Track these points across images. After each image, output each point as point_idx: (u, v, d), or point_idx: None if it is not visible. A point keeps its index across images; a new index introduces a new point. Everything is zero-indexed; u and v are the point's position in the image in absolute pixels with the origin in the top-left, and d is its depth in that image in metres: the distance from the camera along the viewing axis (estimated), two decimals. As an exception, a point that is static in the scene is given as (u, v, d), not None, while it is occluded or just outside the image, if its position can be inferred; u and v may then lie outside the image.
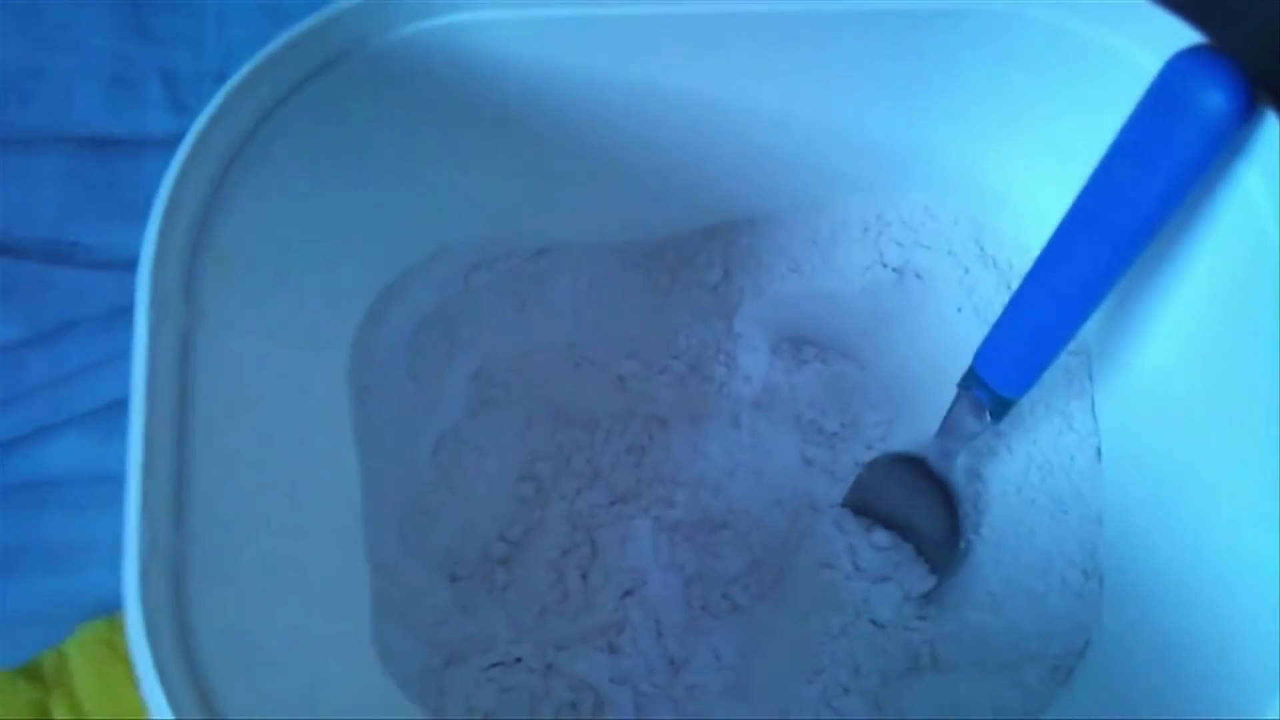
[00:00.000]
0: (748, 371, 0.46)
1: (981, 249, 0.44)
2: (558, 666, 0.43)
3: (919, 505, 0.43)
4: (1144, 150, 0.33)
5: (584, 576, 0.44)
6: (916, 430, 0.44)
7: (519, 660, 0.43)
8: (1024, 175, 0.40)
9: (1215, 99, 0.32)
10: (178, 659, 0.33)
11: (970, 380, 0.40)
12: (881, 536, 0.44)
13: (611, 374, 0.47)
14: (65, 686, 0.44)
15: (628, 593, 0.44)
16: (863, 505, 0.44)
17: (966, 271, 0.44)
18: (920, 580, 0.43)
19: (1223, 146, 0.32)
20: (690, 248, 0.47)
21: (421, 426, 0.45)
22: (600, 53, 0.39)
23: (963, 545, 0.43)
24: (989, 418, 0.40)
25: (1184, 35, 0.34)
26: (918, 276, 0.45)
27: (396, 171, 0.42)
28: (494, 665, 0.43)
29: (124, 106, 0.51)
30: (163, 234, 0.34)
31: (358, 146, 0.40)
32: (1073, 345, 0.41)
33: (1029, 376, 0.39)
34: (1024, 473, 0.44)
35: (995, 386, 0.39)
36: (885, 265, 0.45)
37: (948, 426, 0.41)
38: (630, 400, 0.46)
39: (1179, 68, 0.32)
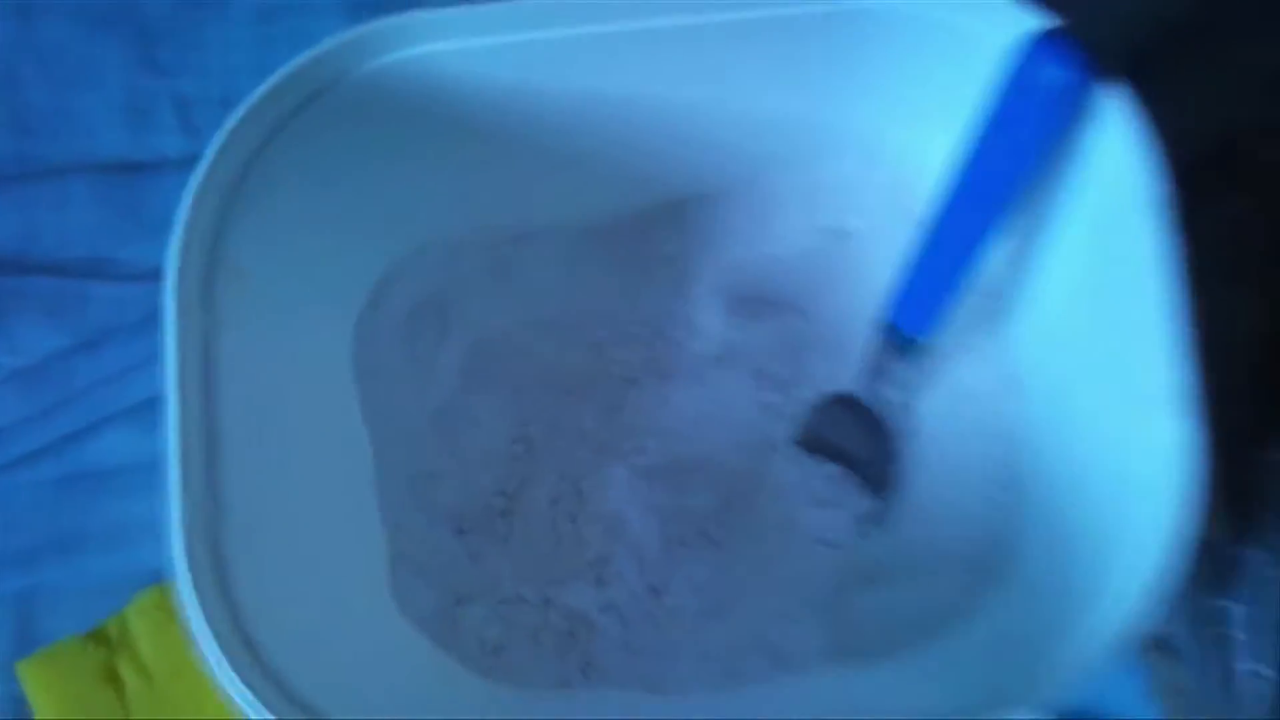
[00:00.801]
0: (706, 331, 0.53)
1: (902, 208, 0.50)
2: (554, 601, 0.50)
3: (858, 437, 0.50)
4: (1004, 120, 0.39)
5: (573, 521, 0.51)
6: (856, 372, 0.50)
7: (520, 597, 0.50)
8: (927, 143, 0.47)
9: (1055, 74, 0.38)
10: (223, 616, 0.40)
11: (883, 325, 0.47)
12: (829, 468, 0.51)
13: (587, 343, 0.53)
14: (129, 647, 0.51)
15: (611, 533, 0.51)
16: (812, 441, 0.51)
17: (891, 229, 0.50)
18: (863, 504, 0.50)
19: (1067, 114, 0.38)
20: (647, 226, 0.53)
21: (421, 400, 0.52)
22: (547, 68, 0.45)
23: (896, 470, 0.49)
24: (903, 356, 0.47)
25: (1036, 20, 0.40)
26: (850, 236, 0.51)
27: (384, 180, 0.48)
28: (499, 603, 0.50)
29: (142, 133, 0.58)
30: (183, 249, 0.41)
31: (349, 161, 0.47)
32: (988, 289, 0.48)
33: (930, 319, 0.45)
34: (949, 404, 0.50)
35: (903, 328, 0.46)
36: (821, 229, 0.52)
37: (870, 366, 0.48)
38: (604, 365, 0.53)
39: (1026, 49, 0.39)
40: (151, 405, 0.53)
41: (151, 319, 0.53)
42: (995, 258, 0.46)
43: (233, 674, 0.37)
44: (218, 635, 0.38)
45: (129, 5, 0.59)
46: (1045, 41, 0.38)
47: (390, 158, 0.47)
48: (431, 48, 0.44)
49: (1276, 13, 0.51)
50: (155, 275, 0.40)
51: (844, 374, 0.51)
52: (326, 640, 0.44)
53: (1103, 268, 0.41)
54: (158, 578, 0.51)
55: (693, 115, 0.48)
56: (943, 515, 0.49)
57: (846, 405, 0.49)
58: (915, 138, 0.46)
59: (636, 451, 0.51)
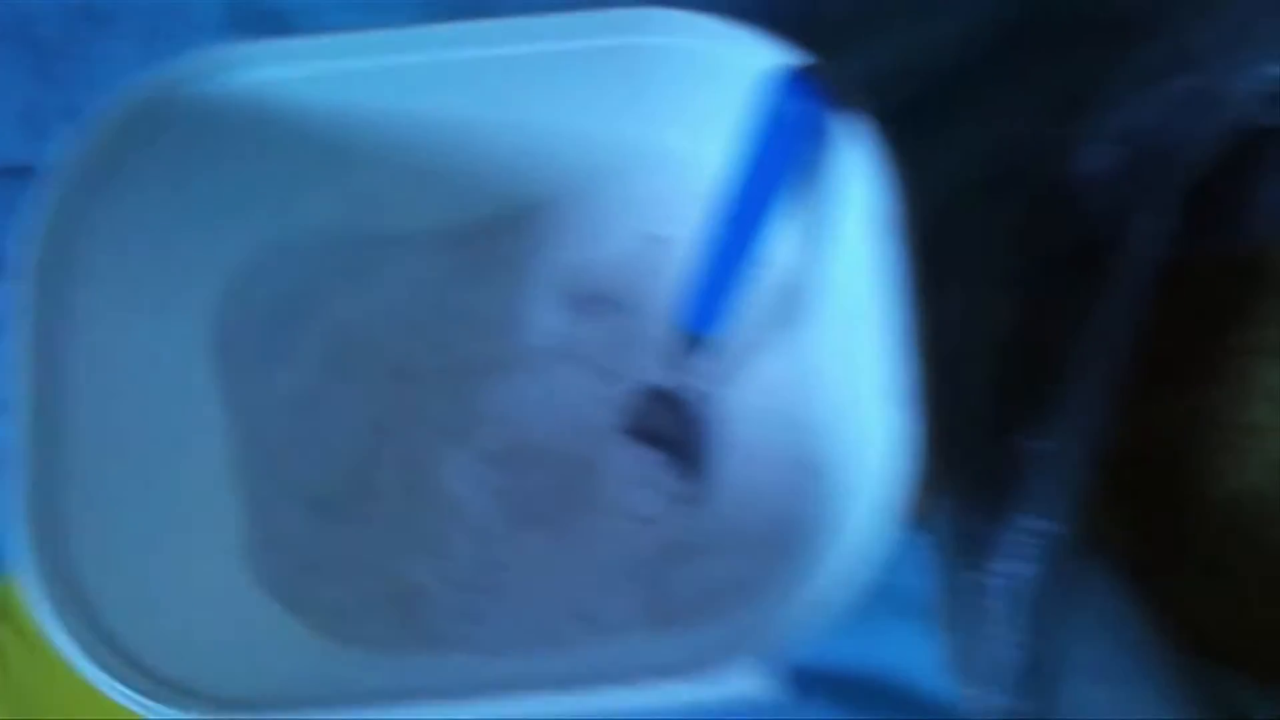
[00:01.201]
0: (545, 327, 0.58)
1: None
2: (398, 572, 0.55)
3: (674, 425, 0.55)
4: (761, 142, 0.45)
5: (418, 500, 0.56)
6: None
7: (368, 569, 0.55)
8: (718, 160, 0.52)
9: (799, 105, 0.44)
10: (72, 606, 0.45)
11: (677, 323, 0.52)
12: (650, 453, 0.56)
13: (437, 337, 0.58)
14: (11, 617, 0.56)
15: (453, 511, 0.56)
16: (636, 429, 0.56)
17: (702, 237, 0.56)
18: (678, 485, 0.55)
19: (811, 139, 0.44)
20: (492, 231, 0.58)
21: (281, 386, 0.57)
22: (379, 92, 0.50)
23: (706, 455, 0.55)
24: (695, 351, 0.52)
25: (787, 55, 0.45)
26: (668, 243, 0.56)
27: (235, 186, 0.53)
28: (348, 574, 0.55)
29: (33, 140, 0.63)
30: (34, 249, 0.46)
31: (201, 168, 0.51)
32: (787, 289, 0.53)
33: (713, 317, 0.51)
34: (752, 395, 0.55)
35: (692, 326, 0.51)
36: (644, 235, 0.57)
37: (670, 361, 0.53)
38: (452, 358, 0.58)
39: (776, 81, 0.44)
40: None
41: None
42: (790, 261, 0.52)
43: (68, 638, 0.42)
44: (56, 604, 0.43)
45: (26, 22, 0.63)
46: (792, 75, 0.43)
47: (239, 167, 0.52)
48: (274, 71, 0.49)
49: (1065, 37, 0.56)
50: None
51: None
52: (176, 609, 0.49)
53: (851, 277, 0.46)
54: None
55: (523, 133, 0.53)
56: (747, 496, 0.54)
57: (663, 396, 0.54)
58: (714, 154, 0.52)
59: (480, 438, 0.56)
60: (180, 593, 0.50)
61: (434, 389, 0.57)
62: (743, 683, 0.40)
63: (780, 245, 0.52)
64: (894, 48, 0.57)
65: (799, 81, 0.43)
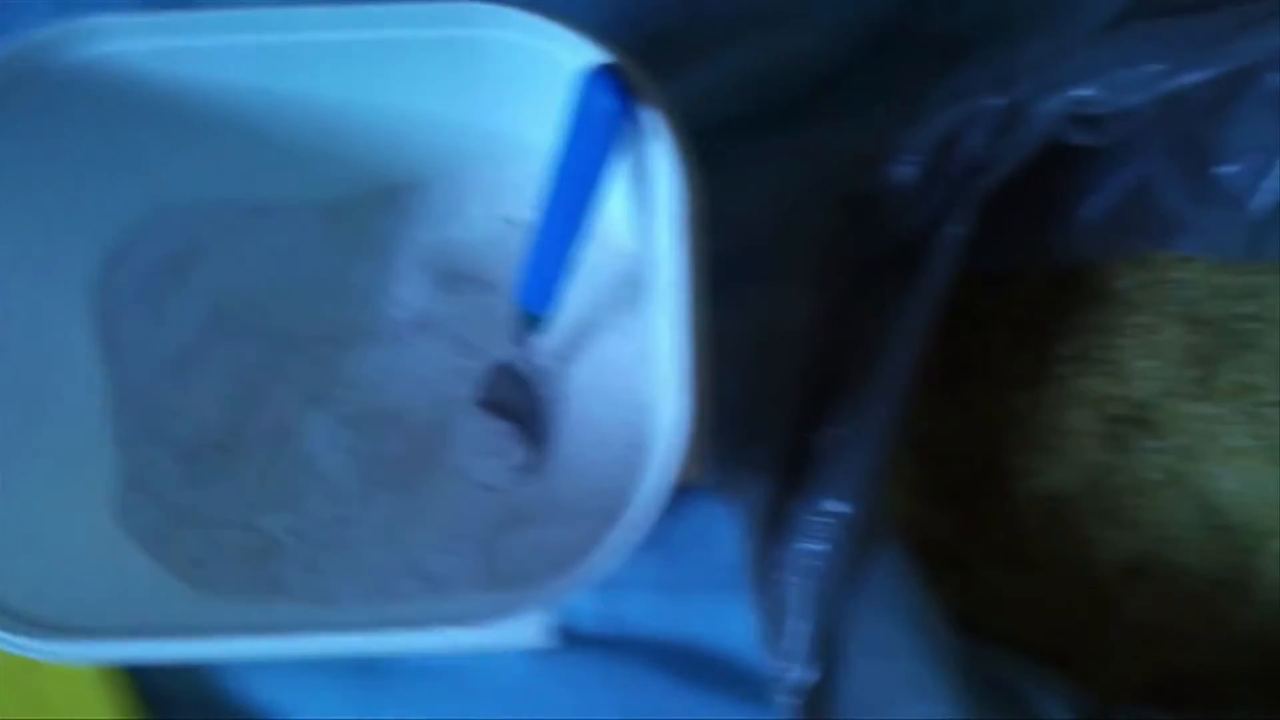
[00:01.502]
0: (409, 301, 0.62)
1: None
2: (255, 525, 0.59)
3: (521, 399, 0.59)
4: (576, 134, 0.49)
5: (279, 458, 0.60)
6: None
7: (228, 520, 0.59)
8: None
9: (604, 100, 0.47)
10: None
11: (516, 302, 0.56)
12: (499, 424, 0.60)
13: (308, 305, 0.62)
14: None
15: (310, 470, 0.60)
16: (487, 401, 0.60)
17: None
18: (522, 456, 0.59)
19: (615, 133, 0.47)
20: (366, 206, 0.62)
21: (160, 346, 0.60)
22: (238, 69, 0.54)
23: (549, 429, 0.59)
24: (533, 329, 0.56)
25: (598, 53, 0.48)
26: (524, 225, 0.60)
27: (108, 155, 0.56)
28: (210, 524, 0.59)
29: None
30: None
31: (76, 134, 0.54)
32: (627, 272, 0.57)
33: (546, 298, 0.54)
34: (594, 374, 0.58)
35: (528, 306, 0.55)
36: (503, 218, 0.61)
37: (513, 337, 0.57)
38: (321, 326, 0.62)
39: (586, 78, 0.48)
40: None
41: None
42: (628, 247, 0.55)
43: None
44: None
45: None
46: (597, 72, 0.47)
47: (111, 135, 0.55)
48: (137, 44, 0.52)
49: (914, 51, 0.59)
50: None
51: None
52: (45, 553, 0.53)
53: (658, 266, 0.50)
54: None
55: (383, 115, 0.56)
56: (584, 469, 0.58)
57: (513, 371, 0.58)
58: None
59: (340, 402, 0.60)
60: (50, 538, 0.54)
61: (303, 354, 0.60)
62: (515, 633, 0.44)
63: (616, 231, 0.55)
64: (750, 56, 0.60)
65: (604, 78, 0.46)
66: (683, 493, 0.43)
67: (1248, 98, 0.52)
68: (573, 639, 0.60)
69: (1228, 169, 0.53)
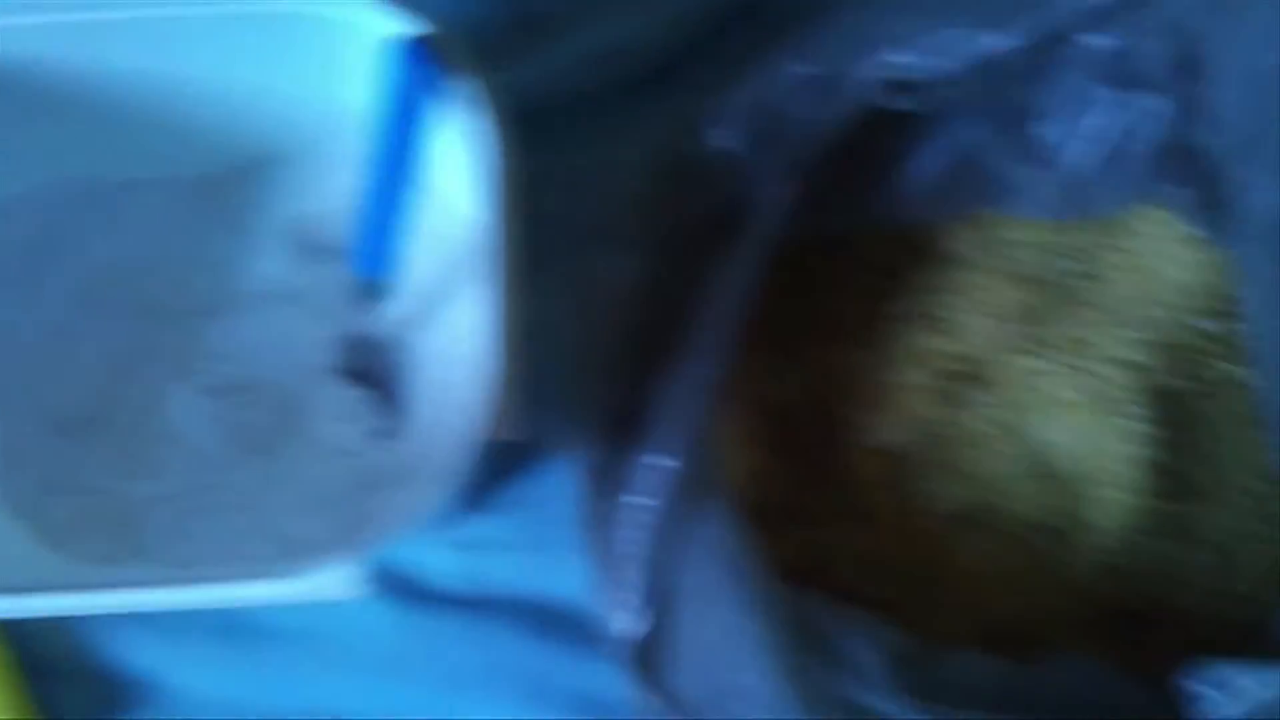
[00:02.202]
0: (272, 273, 0.64)
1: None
2: (126, 492, 0.61)
3: (375, 366, 0.61)
4: (389, 102, 0.50)
5: (146, 428, 0.62)
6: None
7: (97, 488, 0.61)
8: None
9: (414, 71, 0.49)
10: None
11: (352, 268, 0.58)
12: (353, 391, 0.62)
13: (177, 279, 0.64)
14: None
15: (176, 439, 0.62)
16: (344, 369, 0.62)
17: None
18: (376, 421, 0.61)
19: (424, 100, 0.49)
20: (228, 181, 0.64)
21: (32, 319, 0.63)
22: (81, 45, 0.56)
23: (400, 394, 0.60)
24: (371, 295, 0.58)
25: (409, 24, 0.50)
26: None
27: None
28: (80, 492, 0.61)
29: None
30: None
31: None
32: (473, 242, 0.59)
33: (378, 262, 0.56)
34: (442, 339, 0.60)
35: (361, 271, 0.57)
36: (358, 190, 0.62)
37: (355, 304, 0.59)
38: (189, 298, 0.64)
39: (398, 49, 0.49)
40: None
41: None
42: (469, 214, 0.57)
43: None
44: None
45: None
46: (409, 43, 0.49)
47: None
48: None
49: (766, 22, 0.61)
50: None
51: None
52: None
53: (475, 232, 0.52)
54: None
55: (227, 91, 0.58)
56: (439, 433, 0.59)
57: (369, 339, 0.60)
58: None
59: (206, 373, 0.62)
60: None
61: (171, 327, 0.62)
62: (325, 584, 0.46)
63: (459, 200, 0.57)
64: (597, 35, 0.62)
65: (414, 48, 0.48)
66: (509, 451, 0.45)
67: (1059, 59, 0.54)
68: (435, 598, 0.62)
69: (1042, 129, 0.55)
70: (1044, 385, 0.58)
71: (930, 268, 0.59)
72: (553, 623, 0.61)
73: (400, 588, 0.62)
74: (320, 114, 0.59)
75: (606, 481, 0.54)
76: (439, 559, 0.62)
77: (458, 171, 0.50)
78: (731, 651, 0.51)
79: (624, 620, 0.53)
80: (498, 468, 0.64)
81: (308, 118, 0.59)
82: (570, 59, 0.61)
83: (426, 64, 0.47)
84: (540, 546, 0.60)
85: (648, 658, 0.52)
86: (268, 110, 0.59)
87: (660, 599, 0.52)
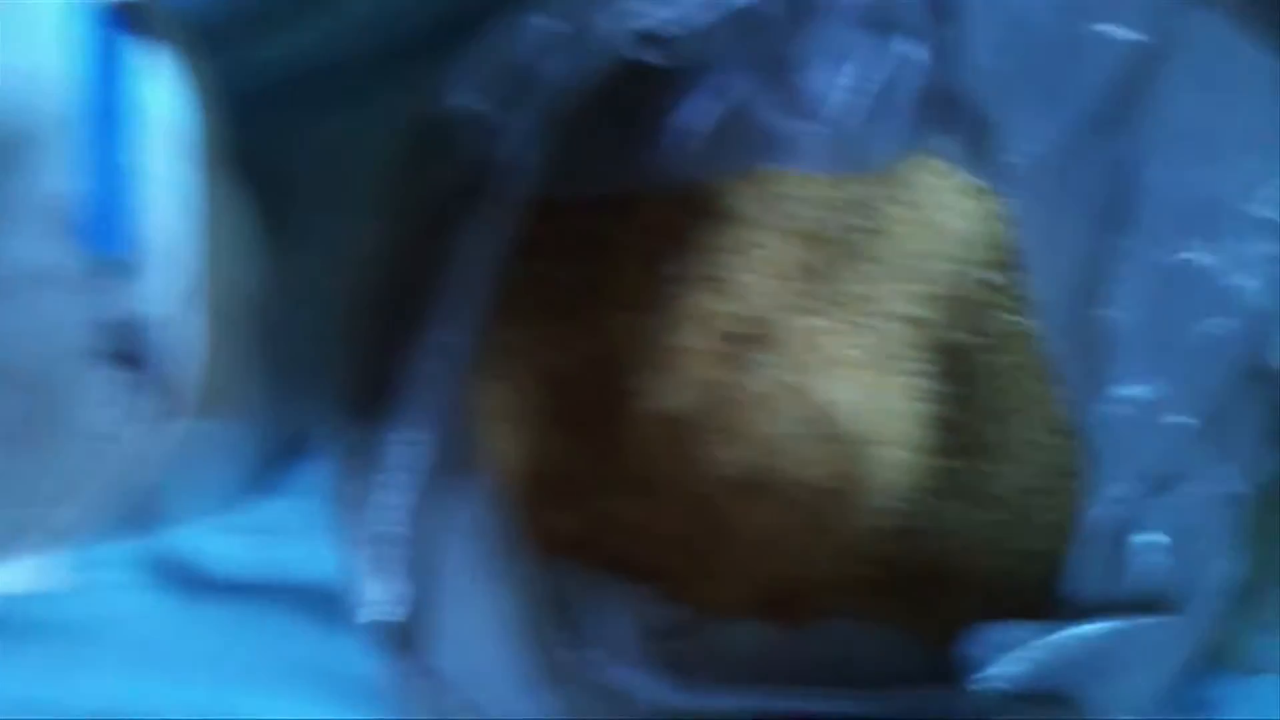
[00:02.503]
0: (33, 255, 0.61)
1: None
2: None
3: (142, 347, 0.58)
4: (90, 70, 0.48)
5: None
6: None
7: None
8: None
9: (115, 35, 0.46)
10: None
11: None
12: (123, 375, 0.59)
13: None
14: None
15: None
16: (108, 351, 0.59)
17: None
18: (144, 404, 0.58)
19: (122, 67, 0.47)
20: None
21: None
22: None
23: (170, 375, 0.58)
24: (115, 273, 0.55)
25: None
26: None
27: None
28: None
29: None
30: None
31: None
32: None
33: (109, 238, 0.53)
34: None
35: (94, 247, 0.54)
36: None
37: (104, 285, 0.56)
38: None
39: (96, 16, 0.47)
40: None
41: None
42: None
43: None
44: None
45: None
46: (109, 10, 0.46)
47: None
48: None
49: None
50: None
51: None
52: None
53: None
54: None
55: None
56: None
57: (137, 320, 0.57)
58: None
59: (-35, 361, 0.59)
60: None
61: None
62: (28, 574, 0.43)
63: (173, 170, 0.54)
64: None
65: (116, 16, 0.46)
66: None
67: (820, 10, 0.52)
68: (218, 587, 0.59)
69: (806, 80, 0.53)
70: (827, 344, 0.56)
71: (712, 227, 0.58)
72: (345, 611, 0.58)
73: (180, 577, 0.60)
74: (56, 90, 0.56)
75: (360, 460, 0.52)
76: (223, 546, 0.60)
77: (167, 143, 0.47)
78: (488, 629, 0.49)
79: (378, 604, 0.51)
80: (288, 447, 0.62)
81: (48, 94, 0.56)
82: (323, 28, 0.58)
83: (127, 32, 0.45)
84: (332, 530, 0.58)
85: (408, 640, 0.50)
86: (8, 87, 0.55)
87: (418, 580, 0.50)
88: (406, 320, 0.51)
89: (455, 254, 0.50)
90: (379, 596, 0.51)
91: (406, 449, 0.50)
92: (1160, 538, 0.49)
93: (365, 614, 0.52)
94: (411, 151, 0.51)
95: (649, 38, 0.51)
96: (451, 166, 0.51)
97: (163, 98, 0.48)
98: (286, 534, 0.60)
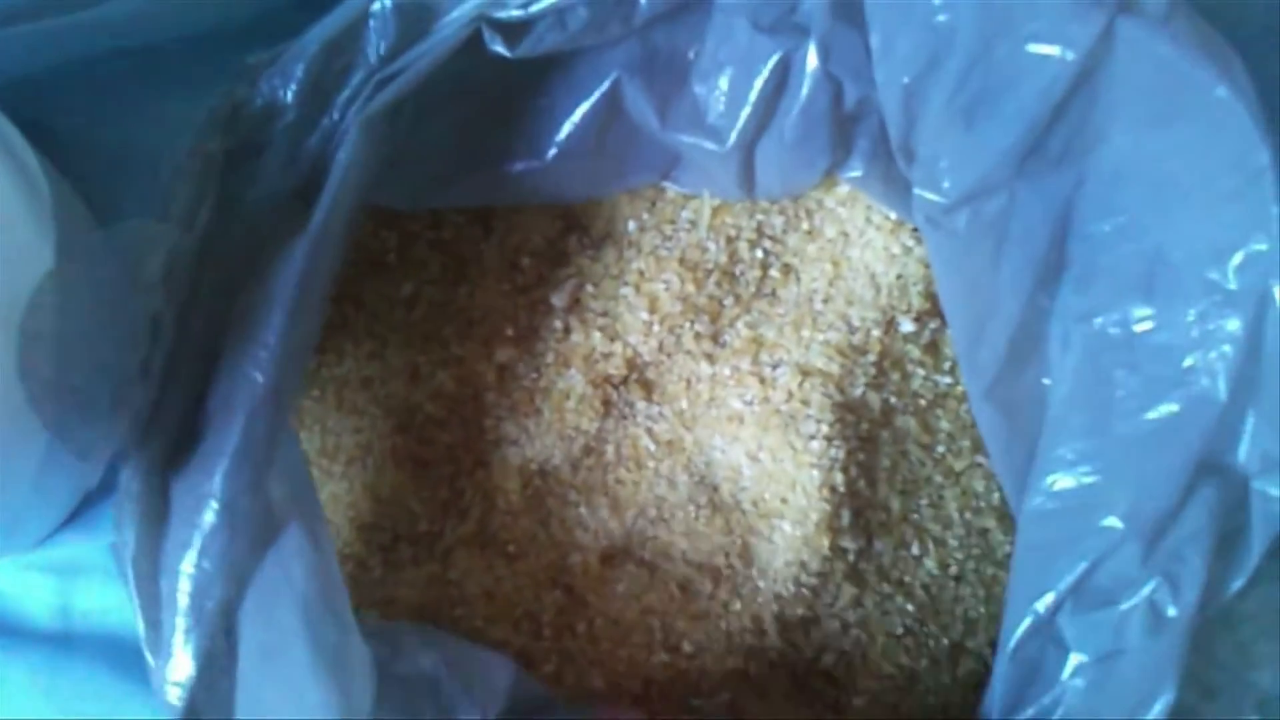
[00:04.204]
0: None
1: None
2: None
3: None
4: None
5: None
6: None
7: None
8: None
9: None
10: None
11: None
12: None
13: None
14: None
15: None
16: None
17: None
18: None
19: None
20: None
21: None
22: None
23: None
24: None
25: None
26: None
27: None
28: None
29: None
30: None
31: None
32: None
33: None
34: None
35: None
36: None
37: None
38: None
39: None
40: None
41: None
42: None
43: None
44: None
45: None
46: None
47: None
48: None
49: None
50: None
51: None
52: None
53: None
54: None
55: None
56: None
57: None
58: None
59: None
60: None
61: None
62: None
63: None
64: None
65: None
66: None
67: (707, 6, 0.43)
68: (18, 632, 0.51)
69: (698, 87, 0.44)
70: (717, 394, 0.47)
71: (595, 251, 0.49)
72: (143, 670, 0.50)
73: (-27, 619, 0.51)
74: None
75: (153, 508, 0.43)
76: (22, 584, 0.52)
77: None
78: (293, 712, 0.40)
79: (170, 667, 0.42)
80: (104, 477, 0.54)
81: None
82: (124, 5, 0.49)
83: None
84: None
85: (201, 706, 0.42)
86: None
87: (219, 641, 0.42)
88: (210, 348, 0.42)
89: (274, 272, 0.41)
90: (169, 674, 0.42)
91: (204, 500, 0.41)
92: (1085, 659, 0.40)
93: (156, 688, 0.43)
94: (215, 148, 0.42)
95: (494, 25, 0.41)
96: (262, 168, 0.42)
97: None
98: (91, 574, 0.52)
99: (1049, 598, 0.42)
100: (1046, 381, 0.43)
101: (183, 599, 0.42)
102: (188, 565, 0.42)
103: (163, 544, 0.43)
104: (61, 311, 0.42)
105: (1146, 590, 0.39)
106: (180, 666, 0.43)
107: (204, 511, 0.42)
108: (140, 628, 0.44)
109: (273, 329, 0.42)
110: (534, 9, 0.42)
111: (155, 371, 0.43)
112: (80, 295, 0.43)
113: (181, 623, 0.43)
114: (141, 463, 0.44)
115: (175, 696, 0.43)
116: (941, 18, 0.39)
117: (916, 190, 0.43)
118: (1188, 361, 0.39)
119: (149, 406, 0.44)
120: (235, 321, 0.43)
